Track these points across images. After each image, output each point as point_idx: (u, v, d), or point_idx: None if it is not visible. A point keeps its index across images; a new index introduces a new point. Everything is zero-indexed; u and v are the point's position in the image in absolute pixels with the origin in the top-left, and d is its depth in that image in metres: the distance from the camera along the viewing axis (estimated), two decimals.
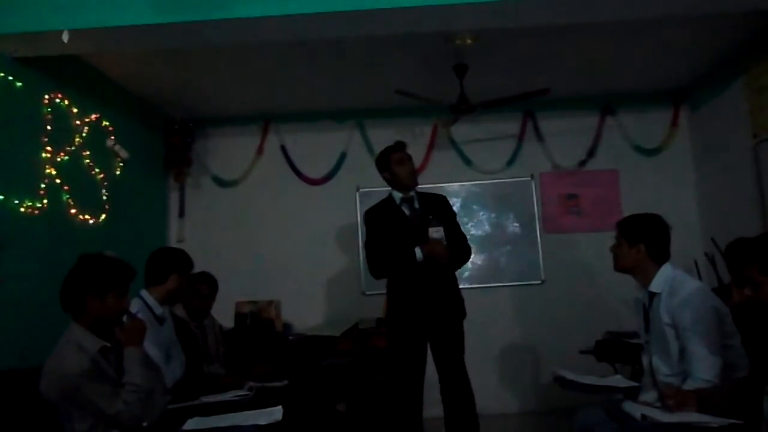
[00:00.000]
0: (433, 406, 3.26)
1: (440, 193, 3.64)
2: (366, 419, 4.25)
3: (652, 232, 2.52)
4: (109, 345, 2.24)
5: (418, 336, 3.18)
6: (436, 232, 3.16)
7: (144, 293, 2.87)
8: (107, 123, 4.31)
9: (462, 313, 3.28)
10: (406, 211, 3.32)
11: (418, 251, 3.15)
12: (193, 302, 3.31)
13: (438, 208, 3.35)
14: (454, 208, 3.55)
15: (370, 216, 3.39)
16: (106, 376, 2.18)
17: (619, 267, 2.59)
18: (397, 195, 3.36)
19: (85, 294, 2.20)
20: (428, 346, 3.22)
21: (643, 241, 2.49)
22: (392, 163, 3.32)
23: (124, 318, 2.32)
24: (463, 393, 3.17)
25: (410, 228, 3.25)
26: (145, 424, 2.20)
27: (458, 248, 3.31)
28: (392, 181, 3.36)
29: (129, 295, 2.35)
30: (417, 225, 3.24)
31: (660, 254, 2.49)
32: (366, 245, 3.38)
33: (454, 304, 3.25)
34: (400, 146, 3.36)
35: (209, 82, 4.71)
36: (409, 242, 3.18)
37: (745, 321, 2.49)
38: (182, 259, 3.00)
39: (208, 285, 3.40)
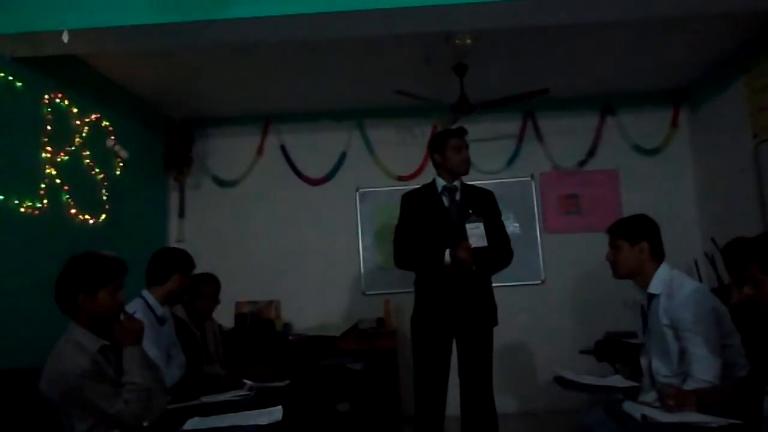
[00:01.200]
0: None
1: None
2: (364, 419, 4.25)
3: (651, 229, 2.51)
4: (108, 344, 2.24)
5: (443, 334, 3.03)
6: (474, 228, 2.98)
7: (145, 293, 2.86)
8: (107, 123, 4.31)
9: (493, 321, 3.09)
10: (446, 201, 3.13)
11: (447, 254, 2.95)
12: (197, 303, 3.30)
13: (482, 203, 3.15)
14: None
15: (407, 200, 3.19)
16: (107, 375, 2.17)
17: (620, 273, 2.54)
18: (441, 182, 3.16)
19: (76, 294, 2.18)
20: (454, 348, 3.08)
21: (645, 238, 2.48)
22: (448, 147, 3.11)
23: (122, 317, 2.32)
24: (485, 408, 3.01)
25: (446, 219, 3.07)
26: (145, 424, 2.20)
27: (497, 250, 3.10)
28: (442, 165, 3.15)
29: (123, 290, 2.34)
30: (454, 217, 3.07)
31: (659, 252, 2.49)
32: (396, 230, 3.16)
33: (485, 309, 3.07)
34: (461, 132, 3.17)
35: (209, 82, 4.71)
36: (443, 234, 3.02)
37: (745, 321, 2.48)
38: (184, 259, 2.99)
39: (212, 286, 3.38)
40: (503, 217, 5.19)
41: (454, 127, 3.52)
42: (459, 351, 3.06)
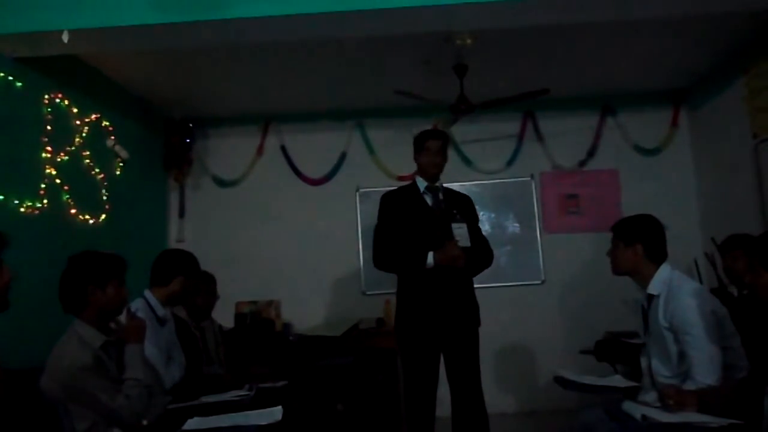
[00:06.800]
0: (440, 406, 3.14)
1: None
2: (364, 419, 4.25)
3: (648, 231, 2.51)
4: (112, 339, 2.25)
5: (430, 341, 3.00)
6: (458, 228, 2.98)
7: (147, 293, 2.86)
8: (107, 123, 4.31)
9: (477, 321, 3.09)
10: (429, 201, 3.13)
11: (430, 257, 2.93)
12: (197, 301, 3.30)
13: (463, 206, 3.16)
14: None
15: (387, 200, 3.16)
16: (108, 370, 2.19)
17: (617, 270, 2.57)
18: (422, 183, 3.16)
19: (85, 286, 2.22)
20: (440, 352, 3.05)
21: (639, 240, 2.48)
22: (424, 147, 3.13)
23: (123, 317, 2.34)
24: (476, 410, 2.99)
25: (431, 218, 3.05)
26: (145, 422, 2.20)
27: (480, 252, 3.11)
28: (418, 164, 3.20)
29: (126, 286, 2.36)
30: (439, 216, 3.05)
31: (657, 254, 2.49)
32: (375, 231, 3.13)
33: (468, 310, 3.06)
34: (437, 135, 3.17)
35: (209, 82, 4.71)
36: (428, 233, 3.00)
37: (745, 321, 2.49)
38: (189, 262, 2.98)
39: (208, 282, 3.40)
40: (503, 218, 5.37)
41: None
42: (446, 354, 3.04)
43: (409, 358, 3.05)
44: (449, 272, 2.97)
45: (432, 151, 3.13)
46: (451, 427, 3.06)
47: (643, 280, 2.49)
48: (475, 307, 3.11)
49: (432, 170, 3.15)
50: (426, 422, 3.02)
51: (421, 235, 3.02)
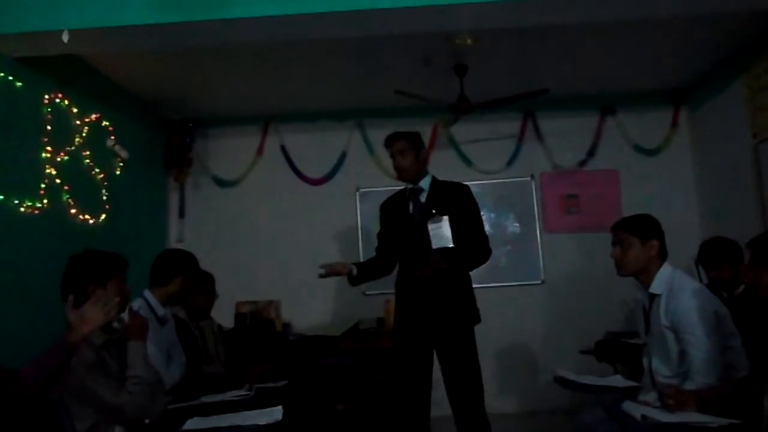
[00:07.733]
0: (439, 406, 3.15)
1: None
2: (364, 419, 4.25)
3: (660, 228, 2.51)
4: (113, 338, 2.26)
5: (423, 340, 2.99)
6: (436, 229, 2.94)
7: (147, 293, 2.86)
8: (107, 123, 4.31)
9: (473, 319, 3.03)
10: (411, 206, 3.11)
11: (353, 270, 3.11)
12: (197, 301, 3.30)
13: (451, 199, 3.06)
14: None
15: (381, 209, 3.28)
16: (110, 368, 2.20)
17: (627, 270, 2.50)
18: (409, 186, 3.16)
19: (86, 285, 2.22)
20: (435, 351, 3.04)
21: (655, 236, 2.47)
22: (389, 153, 3.16)
23: (125, 315, 2.34)
24: (473, 410, 2.93)
25: (410, 225, 3.07)
26: (147, 421, 2.21)
27: (469, 246, 3.00)
28: None
29: (127, 284, 2.36)
30: (417, 221, 3.04)
31: (665, 252, 2.49)
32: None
33: (464, 307, 3.00)
34: (397, 136, 3.15)
35: (209, 82, 4.71)
36: (406, 240, 3.06)
37: (745, 321, 2.49)
38: (188, 262, 2.98)
39: (207, 281, 3.40)
40: (503, 218, 5.36)
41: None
42: (438, 354, 3.01)
43: (400, 358, 3.05)
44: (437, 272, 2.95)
45: (394, 153, 3.12)
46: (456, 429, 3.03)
47: (648, 279, 2.47)
48: (469, 305, 3.05)
49: (398, 174, 3.14)
50: (419, 423, 3.00)
51: (401, 242, 3.08)
